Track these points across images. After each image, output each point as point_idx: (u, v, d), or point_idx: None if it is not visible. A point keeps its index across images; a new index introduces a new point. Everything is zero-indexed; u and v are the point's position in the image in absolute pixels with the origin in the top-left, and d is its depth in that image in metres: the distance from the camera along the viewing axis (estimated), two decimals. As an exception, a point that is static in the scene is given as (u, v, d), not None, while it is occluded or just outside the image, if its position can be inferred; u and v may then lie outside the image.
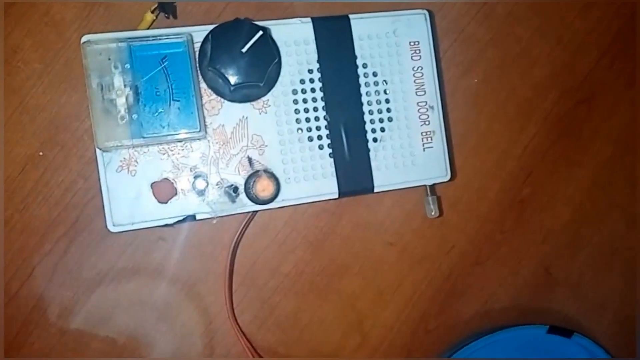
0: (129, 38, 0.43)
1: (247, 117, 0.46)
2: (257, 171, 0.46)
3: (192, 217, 0.45)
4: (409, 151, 0.49)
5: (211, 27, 0.44)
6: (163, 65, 0.42)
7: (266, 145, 0.46)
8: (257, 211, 0.48)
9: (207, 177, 0.45)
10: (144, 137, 0.42)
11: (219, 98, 0.45)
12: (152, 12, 0.47)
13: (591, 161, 0.59)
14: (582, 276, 0.59)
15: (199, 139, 0.45)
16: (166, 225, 0.45)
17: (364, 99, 0.48)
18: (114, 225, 0.44)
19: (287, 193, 0.47)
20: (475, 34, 0.56)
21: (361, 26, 0.48)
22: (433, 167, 0.50)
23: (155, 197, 0.44)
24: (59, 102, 0.48)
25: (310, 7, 0.51)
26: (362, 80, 0.48)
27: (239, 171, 0.46)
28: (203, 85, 0.45)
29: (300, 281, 0.53)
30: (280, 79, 0.47)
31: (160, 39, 0.43)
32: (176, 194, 0.45)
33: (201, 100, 0.45)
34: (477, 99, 0.56)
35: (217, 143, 0.45)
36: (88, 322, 0.49)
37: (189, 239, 0.50)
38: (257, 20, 0.44)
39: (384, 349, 0.55)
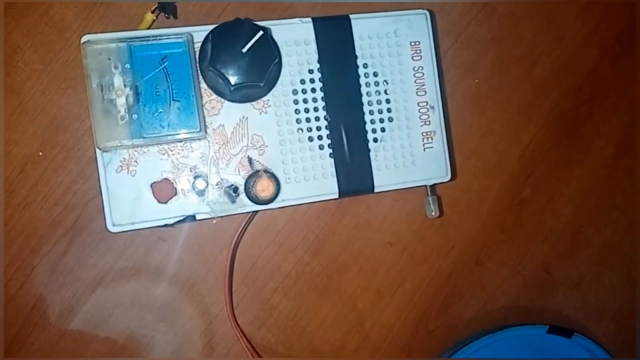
0: (129, 38, 0.42)
1: (247, 117, 0.46)
2: (257, 171, 0.45)
3: (192, 218, 0.45)
4: (410, 151, 0.49)
5: (211, 27, 0.44)
6: (163, 66, 0.42)
7: (266, 146, 0.46)
8: (257, 211, 0.48)
9: (207, 177, 0.45)
10: (144, 137, 0.42)
11: (219, 98, 0.45)
12: (152, 12, 0.47)
13: (592, 161, 0.59)
14: (583, 276, 0.59)
15: (199, 139, 0.45)
16: (166, 225, 0.45)
17: (365, 99, 0.48)
18: (113, 225, 0.44)
19: (287, 193, 0.47)
20: (476, 34, 0.56)
21: (362, 26, 0.48)
22: (433, 167, 0.50)
23: (155, 197, 0.44)
24: (59, 102, 0.48)
25: (311, 7, 0.51)
26: (362, 80, 0.48)
27: (239, 171, 0.46)
28: (203, 85, 0.45)
29: (301, 281, 0.53)
30: (280, 79, 0.47)
31: (160, 39, 0.43)
32: (176, 194, 0.45)
33: (201, 100, 0.45)
34: (478, 99, 0.56)
35: (217, 143, 0.45)
36: (88, 322, 0.49)
37: (189, 239, 0.50)
38: (257, 20, 0.44)
39: (384, 349, 0.55)
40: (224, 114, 0.46)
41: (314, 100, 0.47)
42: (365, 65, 0.48)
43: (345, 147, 0.48)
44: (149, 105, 0.42)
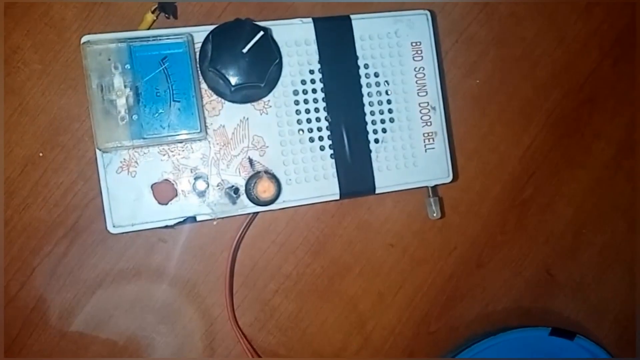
0: (129, 38, 0.42)
1: (248, 118, 0.46)
2: (258, 172, 0.45)
3: (193, 219, 0.45)
4: (411, 152, 0.49)
5: (212, 27, 0.43)
6: (163, 66, 0.42)
7: (267, 146, 0.46)
8: (258, 212, 0.48)
9: (207, 178, 0.45)
10: (144, 138, 0.42)
11: (220, 99, 0.45)
12: (153, 12, 0.47)
13: (593, 162, 0.59)
14: (584, 277, 0.59)
15: (199, 140, 0.45)
16: (166, 226, 0.44)
17: (366, 99, 0.48)
18: (114, 226, 0.43)
19: (288, 194, 0.47)
20: (477, 35, 0.56)
21: (363, 26, 0.48)
22: (435, 169, 0.50)
23: (156, 199, 0.44)
24: (59, 102, 0.48)
25: (312, 7, 0.51)
26: (363, 80, 0.48)
27: (239, 172, 0.46)
28: (204, 85, 0.45)
29: (301, 283, 0.52)
30: (281, 79, 0.47)
31: (160, 40, 0.43)
32: (176, 195, 0.44)
33: (202, 100, 0.44)
34: (479, 99, 0.56)
35: (217, 144, 0.45)
36: (88, 323, 0.49)
37: (190, 240, 0.50)
38: (258, 21, 0.44)
39: (385, 350, 0.54)
40: (224, 114, 0.45)
41: (315, 100, 0.47)
42: (366, 66, 0.48)
43: (346, 148, 0.47)
44: (149, 105, 0.42)
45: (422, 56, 0.50)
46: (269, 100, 0.46)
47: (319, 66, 0.47)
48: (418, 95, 0.49)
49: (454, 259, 0.56)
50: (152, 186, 0.44)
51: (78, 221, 0.48)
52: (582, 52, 0.58)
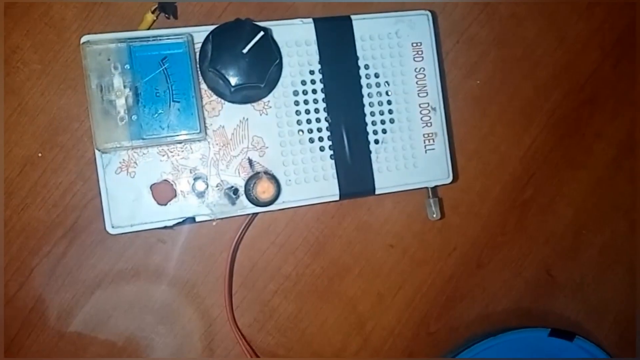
0: (129, 38, 0.42)
1: (247, 119, 0.46)
2: (258, 173, 0.45)
3: (192, 219, 0.45)
4: (411, 153, 0.49)
5: (212, 27, 0.43)
6: (163, 67, 0.42)
7: (267, 147, 0.46)
8: (257, 213, 0.48)
9: (207, 179, 0.45)
10: (143, 139, 0.42)
11: (220, 99, 0.45)
12: (153, 12, 0.47)
13: (594, 163, 0.59)
14: (584, 278, 0.59)
15: (199, 141, 0.44)
16: (166, 227, 0.44)
17: (366, 100, 0.48)
18: (113, 227, 0.43)
19: (288, 195, 0.46)
20: (478, 35, 0.55)
21: (363, 27, 0.48)
22: (435, 169, 0.50)
23: (155, 199, 0.44)
24: (59, 103, 0.48)
25: (312, 8, 0.51)
26: (363, 81, 0.48)
27: (239, 173, 0.45)
28: (203, 86, 0.45)
29: (301, 283, 0.52)
30: (281, 80, 0.46)
31: (160, 40, 0.42)
32: (176, 195, 0.44)
33: (201, 101, 0.44)
34: (480, 100, 0.56)
35: (217, 144, 0.45)
36: (87, 324, 0.49)
37: (189, 241, 0.50)
38: (258, 21, 0.44)
39: (385, 351, 0.54)
40: (224, 115, 0.45)
41: (315, 101, 0.47)
42: (366, 66, 0.48)
43: (346, 148, 0.47)
44: (149, 106, 0.42)
45: (422, 57, 0.49)
46: (268, 101, 0.46)
47: (319, 67, 0.47)
48: (418, 95, 0.49)
49: (454, 259, 0.56)
50: (151, 187, 0.44)
51: (77, 221, 0.48)
52: (582, 52, 0.58)
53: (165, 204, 0.44)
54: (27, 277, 0.48)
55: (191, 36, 0.43)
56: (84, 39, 0.42)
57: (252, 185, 0.44)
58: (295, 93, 0.47)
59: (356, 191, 0.48)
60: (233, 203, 0.45)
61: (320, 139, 0.47)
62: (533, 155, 0.57)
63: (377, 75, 0.48)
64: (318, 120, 0.47)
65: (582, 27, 0.58)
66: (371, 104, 0.48)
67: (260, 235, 0.52)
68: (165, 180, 0.44)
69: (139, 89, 0.42)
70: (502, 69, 0.56)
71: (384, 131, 0.49)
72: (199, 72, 0.44)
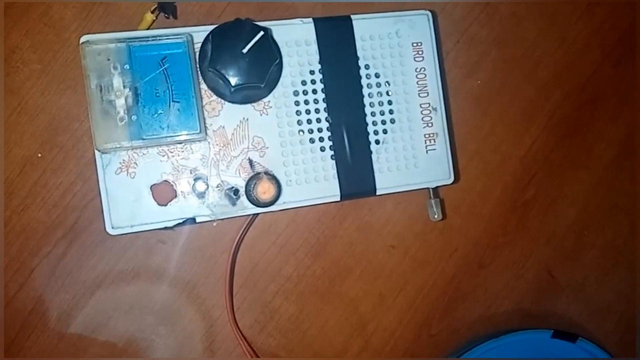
0: (129, 38, 0.42)
1: (247, 119, 0.46)
2: (258, 173, 0.45)
3: (192, 220, 0.44)
4: (412, 153, 0.49)
5: (212, 27, 0.43)
6: (163, 67, 0.42)
7: (267, 147, 0.46)
8: (258, 214, 0.47)
9: (207, 180, 0.45)
10: (143, 139, 0.42)
11: (220, 99, 0.45)
12: (152, 12, 0.47)
13: (595, 163, 0.59)
14: (586, 279, 0.59)
15: (199, 141, 0.44)
16: (166, 228, 0.44)
17: (366, 100, 0.48)
18: (113, 227, 0.43)
19: (289, 196, 0.46)
20: (478, 35, 0.55)
21: (363, 27, 0.48)
22: (436, 170, 0.50)
23: (155, 200, 0.44)
24: (58, 103, 0.47)
25: (312, 7, 0.51)
26: (364, 81, 0.48)
27: (239, 173, 0.45)
28: (203, 86, 0.45)
29: (302, 284, 0.52)
30: (281, 80, 0.46)
31: (160, 40, 0.42)
32: (176, 196, 0.44)
33: (201, 101, 0.44)
34: (480, 100, 0.56)
35: (217, 145, 0.45)
36: (87, 325, 0.49)
37: (189, 241, 0.50)
38: (258, 21, 0.44)
39: (386, 353, 0.54)
40: (224, 115, 0.45)
41: (315, 101, 0.47)
42: (366, 66, 0.48)
43: (347, 149, 0.47)
44: (149, 106, 0.42)
45: (423, 57, 0.49)
46: (269, 101, 0.46)
47: (319, 66, 0.47)
48: (419, 96, 0.49)
49: (456, 260, 0.55)
50: (151, 187, 0.44)
51: (77, 222, 0.48)
52: (583, 52, 0.58)
53: (166, 205, 0.44)
54: (27, 278, 0.48)
55: (191, 36, 0.43)
56: (83, 39, 0.42)
57: (252, 185, 0.44)
58: (296, 93, 0.47)
59: (357, 192, 0.48)
60: (233, 204, 0.45)
61: (321, 139, 0.47)
62: (534, 155, 0.57)
63: (377, 75, 0.48)
64: (318, 120, 0.47)
65: (582, 27, 0.58)
66: (372, 104, 0.48)
67: (261, 236, 0.51)
68: (166, 180, 0.44)
69: (138, 89, 0.42)
70: (503, 69, 0.56)
71: (385, 131, 0.48)
72: (199, 72, 0.44)
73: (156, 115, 0.42)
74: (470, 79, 0.55)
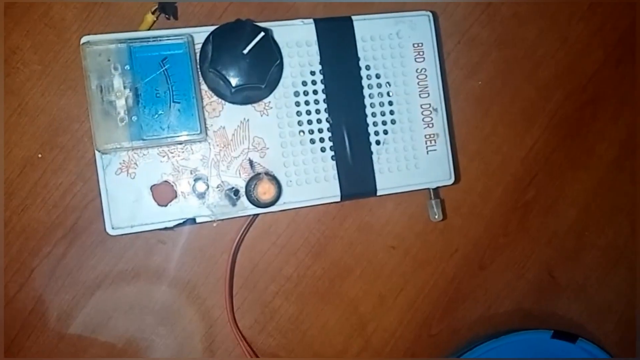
0: (129, 39, 0.42)
1: (248, 119, 0.46)
2: (259, 174, 0.45)
3: (193, 221, 0.44)
4: (412, 154, 0.49)
5: (212, 28, 0.43)
6: (164, 67, 0.42)
7: (267, 148, 0.46)
8: (258, 214, 0.47)
9: (207, 180, 0.45)
10: (143, 140, 0.42)
11: (220, 100, 0.45)
12: (153, 13, 0.47)
13: (596, 163, 0.59)
14: (587, 279, 0.59)
15: (199, 141, 0.44)
16: (166, 228, 0.44)
17: (367, 101, 0.48)
18: (113, 228, 0.43)
19: (289, 196, 0.46)
20: (479, 36, 0.55)
21: (364, 27, 0.48)
22: (437, 170, 0.49)
23: (155, 200, 0.44)
24: (59, 103, 0.47)
25: (313, 8, 0.51)
26: (365, 82, 0.48)
27: (240, 174, 0.45)
28: (204, 86, 0.45)
29: (302, 285, 0.52)
30: (282, 80, 0.46)
31: (160, 40, 0.42)
32: (176, 196, 0.44)
33: (202, 102, 0.44)
34: (481, 101, 0.56)
35: (217, 145, 0.45)
36: (87, 325, 0.49)
37: (189, 242, 0.50)
38: (258, 21, 0.44)
39: (386, 353, 0.54)
40: (224, 116, 0.45)
41: (316, 102, 0.47)
42: (367, 67, 0.48)
43: (348, 149, 0.47)
44: (149, 107, 0.42)
45: (423, 57, 0.49)
46: (269, 102, 0.46)
47: (320, 67, 0.47)
48: (420, 96, 0.49)
49: (456, 261, 0.55)
50: (151, 188, 0.44)
51: (77, 222, 0.48)
52: (584, 53, 0.58)
53: (166, 205, 0.44)
54: (27, 278, 0.48)
55: (191, 37, 0.43)
56: (84, 40, 0.42)
57: (253, 186, 0.44)
58: (296, 94, 0.47)
59: (357, 192, 0.48)
60: (234, 204, 0.45)
61: (322, 140, 0.47)
62: (535, 156, 0.57)
63: (378, 76, 0.48)
64: (319, 121, 0.47)
65: (583, 28, 0.58)
66: (372, 105, 0.48)
67: (261, 236, 0.51)
68: (166, 181, 0.44)
69: (139, 90, 0.42)
70: (504, 70, 0.56)
71: (385, 132, 0.48)
72: (200, 72, 0.44)
73: (156, 115, 0.42)
74: (471, 79, 0.55)
